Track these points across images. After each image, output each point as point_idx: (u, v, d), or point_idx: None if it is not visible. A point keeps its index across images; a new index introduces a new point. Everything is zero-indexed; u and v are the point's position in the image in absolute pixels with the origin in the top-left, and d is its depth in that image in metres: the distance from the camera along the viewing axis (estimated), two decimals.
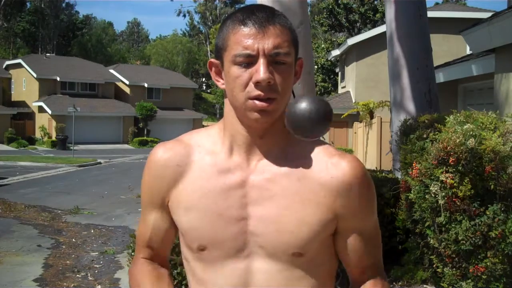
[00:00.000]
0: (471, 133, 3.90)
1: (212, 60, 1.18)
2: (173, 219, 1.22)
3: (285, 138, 1.17)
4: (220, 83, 1.17)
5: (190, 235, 1.16)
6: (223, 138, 1.18)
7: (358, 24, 33.75)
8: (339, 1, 33.25)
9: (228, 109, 1.17)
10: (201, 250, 1.15)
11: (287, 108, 1.11)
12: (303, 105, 1.09)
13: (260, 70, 1.06)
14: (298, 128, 1.09)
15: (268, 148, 1.15)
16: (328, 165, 1.14)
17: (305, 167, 1.14)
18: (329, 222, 1.14)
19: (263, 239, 1.12)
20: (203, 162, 1.17)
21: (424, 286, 4.54)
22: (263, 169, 1.14)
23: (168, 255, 1.32)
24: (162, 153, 1.21)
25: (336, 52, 25.51)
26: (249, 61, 1.08)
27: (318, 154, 1.16)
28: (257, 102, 1.08)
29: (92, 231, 8.78)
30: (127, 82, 40.31)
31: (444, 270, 4.07)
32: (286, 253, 1.12)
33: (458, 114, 4.23)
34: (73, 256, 7.08)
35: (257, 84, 1.07)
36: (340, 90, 26.13)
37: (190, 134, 1.24)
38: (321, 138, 1.23)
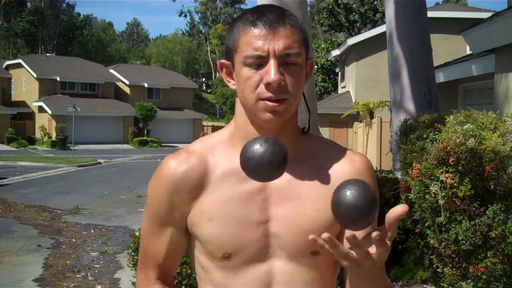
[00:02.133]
0: (471, 133, 3.90)
1: (223, 61, 1.17)
2: (189, 232, 1.19)
3: (297, 138, 1.19)
4: (231, 84, 1.17)
5: (214, 244, 1.14)
6: (235, 142, 1.17)
7: (358, 24, 33.73)
8: (339, 1, 33.23)
9: (239, 110, 1.17)
10: (225, 258, 1.13)
11: (333, 199, 0.95)
12: (352, 199, 0.92)
13: (271, 72, 1.06)
14: (350, 221, 0.94)
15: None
16: (341, 161, 1.18)
17: (319, 165, 1.16)
18: None
19: (283, 240, 1.13)
20: (221, 169, 1.16)
21: (424, 286, 4.54)
22: None
23: (174, 274, 1.29)
24: (177, 167, 1.16)
25: (336, 52, 25.50)
26: (259, 62, 1.07)
27: (331, 152, 1.19)
28: (268, 102, 1.07)
29: (92, 231, 8.78)
30: (127, 82, 40.30)
31: (444, 270, 4.07)
32: (304, 253, 1.13)
33: (458, 114, 4.23)
34: (73, 256, 7.09)
35: (268, 86, 1.06)
36: (340, 90, 26.13)
37: (200, 142, 1.21)
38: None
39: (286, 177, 1.14)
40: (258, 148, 1.00)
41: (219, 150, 1.18)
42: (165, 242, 1.19)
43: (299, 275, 1.14)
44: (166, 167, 1.17)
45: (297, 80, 1.10)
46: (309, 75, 1.18)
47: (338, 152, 1.20)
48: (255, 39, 1.07)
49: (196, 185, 1.15)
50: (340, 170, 1.16)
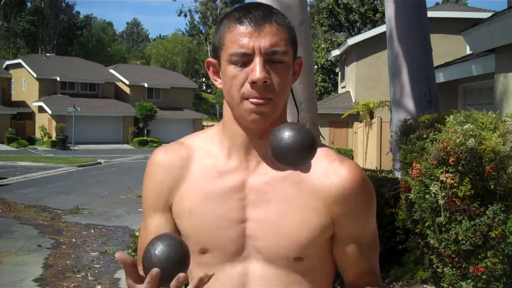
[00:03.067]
0: (471, 133, 3.90)
1: (210, 59, 1.16)
2: (175, 223, 1.19)
3: None
4: (218, 83, 1.15)
5: (192, 238, 1.14)
6: (222, 140, 1.16)
7: (358, 24, 33.74)
8: (339, 1, 33.23)
9: (226, 109, 1.15)
10: (202, 254, 1.14)
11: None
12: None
13: (256, 70, 1.04)
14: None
15: (267, 149, 1.14)
16: (328, 171, 1.11)
17: (304, 170, 1.12)
18: (327, 227, 1.12)
19: (261, 243, 1.11)
20: (204, 164, 1.16)
21: (424, 286, 4.54)
22: (262, 171, 1.13)
23: None
24: (164, 156, 1.19)
25: (336, 52, 25.50)
26: (245, 60, 1.05)
27: (318, 158, 1.12)
28: (253, 101, 1.06)
29: (92, 231, 8.78)
30: (127, 82, 40.30)
31: (444, 270, 4.07)
32: (285, 258, 1.11)
33: (458, 114, 4.23)
34: (73, 256, 7.09)
35: (253, 84, 1.05)
36: (340, 90, 26.12)
37: (190, 137, 1.23)
38: (321, 138, 1.22)
39: (267, 178, 1.12)
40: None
41: (205, 145, 1.18)
42: (153, 230, 1.19)
43: (278, 279, 1.12)
44: (154, 156, 1.21)
45: (283, 79, 1.08)
46: (297, 75, 1.16)
47: (327, 160, 1.13)
48: (240, 36, 1.06)
49: (178, 175, 1.16)
50: (326, 182, 1.10)
